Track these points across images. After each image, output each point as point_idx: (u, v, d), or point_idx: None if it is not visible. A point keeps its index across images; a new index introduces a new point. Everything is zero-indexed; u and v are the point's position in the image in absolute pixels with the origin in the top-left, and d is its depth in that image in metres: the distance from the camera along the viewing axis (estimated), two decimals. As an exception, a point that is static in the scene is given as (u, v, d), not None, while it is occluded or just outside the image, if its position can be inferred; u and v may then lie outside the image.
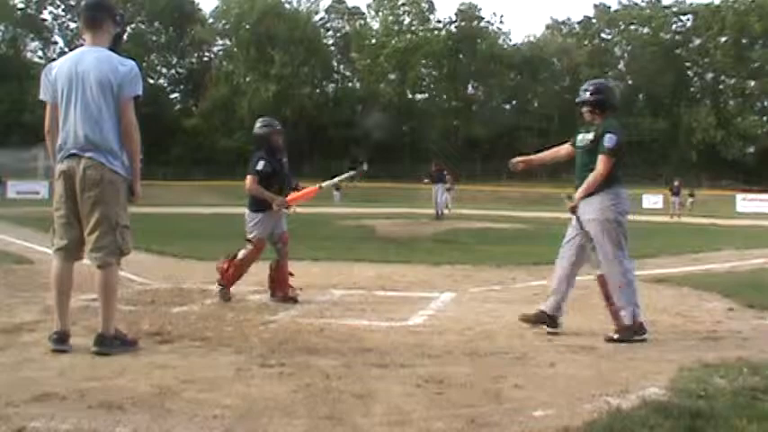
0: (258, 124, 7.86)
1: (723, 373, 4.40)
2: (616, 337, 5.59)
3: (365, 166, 8.87)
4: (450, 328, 6.01)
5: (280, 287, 7.36)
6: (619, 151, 5.84)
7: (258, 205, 7.40)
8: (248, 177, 7.40)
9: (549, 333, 5.83)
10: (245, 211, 7.53)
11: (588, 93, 6.03)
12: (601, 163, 5.78)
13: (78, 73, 4.83)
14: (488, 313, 6.78)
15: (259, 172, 7.35)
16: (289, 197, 7.48)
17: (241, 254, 7.39)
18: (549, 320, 5.92)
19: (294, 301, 7.20)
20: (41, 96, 5.01)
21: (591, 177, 5.82)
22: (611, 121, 6.00)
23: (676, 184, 36.43)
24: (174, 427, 3.41)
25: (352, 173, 8.59)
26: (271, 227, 7.47)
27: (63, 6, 73.54)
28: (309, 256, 11.45)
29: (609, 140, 5.77)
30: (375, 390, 4.09)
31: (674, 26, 76.75)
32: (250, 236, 7.41)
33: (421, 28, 76.88)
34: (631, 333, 5.60)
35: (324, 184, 8.07)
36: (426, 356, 4.95)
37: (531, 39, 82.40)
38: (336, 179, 8.40)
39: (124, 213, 4.96)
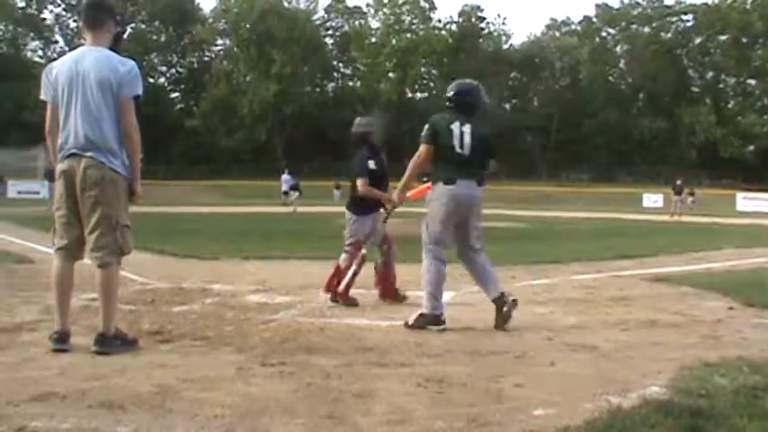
0: (358, 122, 7.66)
1: (723, 372, 4.40)
2: (410, 322, 5.95)
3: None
4: (449, 327, 6.01)
5: (389, 291, 7.24)
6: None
7: (362, 207, 7.24)
8: (359, 180, 7.17)
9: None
10: (346, 213, 7.36)
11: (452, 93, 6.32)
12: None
13: (78, 73, 4.83)
14: (488, 312, 6.76)
15: (371, 171, 7.22)
16: (411, 192, 7.04)
17: (343, 262, 7.21)
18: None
19: (404, 299, 7.11)
20: (42, 96, 5.01)
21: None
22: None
23: (678, 182, 36.32)
24: (175, 426, 3.41)
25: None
26: (371, 228, 7.32)
27: (64, 6, 73.48)
28: (310, 254, 11.47)
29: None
30: (375, 389, 4.09)
31: (674, 25, 76.70)
32: (351, 240, 7.25)
33: (422, 27, 76.82)
34: (425, 321, 5.91)
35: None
36: (427, 356, 4.95)
37: (532, 38, 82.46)
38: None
39: (125, 213, 4.96)
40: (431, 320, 5.93)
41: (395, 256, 7.46)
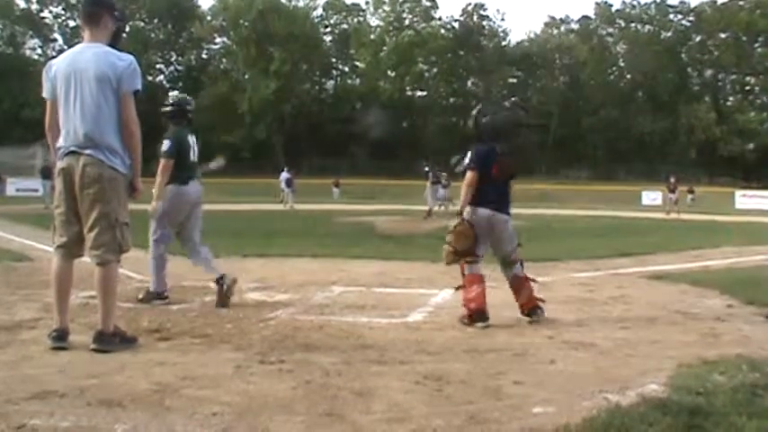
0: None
1: (722, 370, 4.40)
2: (139, 296, 6.89)
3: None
4: (449, 324, 6.02)
5: (530, 298, 6.47)
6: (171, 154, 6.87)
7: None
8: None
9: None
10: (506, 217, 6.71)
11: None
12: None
13: (77, 69, 4.83)
14: (487, 310, 6.77)
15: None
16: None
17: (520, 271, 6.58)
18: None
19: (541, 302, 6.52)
20: (43, 94, 5.01)
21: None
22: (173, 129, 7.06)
23: (672, 180, 36.35)
24: (174, 424, 3.41)
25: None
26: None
27: (63, 4, 73.33)
28: (309, 252, 11.48)
29: (164, 145, 6.91)
30: (374, 387, 4.09)
31: (674, 24, 76.69)
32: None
33: (423, 24, 76.77)
34: (152, 297, 6.85)
35: None
36: (426, 353, 4.95)
37: (532, 35, 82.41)
38: None
39: (124, 210, 4.96)
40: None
41: None
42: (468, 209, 6.35)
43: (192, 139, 7.16)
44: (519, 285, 6.41)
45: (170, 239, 7.18)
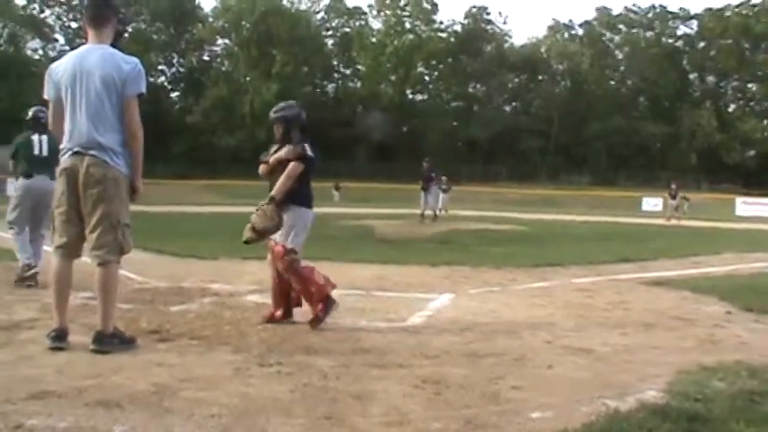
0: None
1: (721, 376, 4.40)
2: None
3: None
4: (448, 329, 6.02)
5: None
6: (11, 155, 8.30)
7: None
8: None
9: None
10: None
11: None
12: None
13: (82, 71, 4.83)
14: (487, 315, 6.78)
15: None
16: None
17: None
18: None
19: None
20: (45, 95, 5.02)
21: None
22: None
23: (674, 186, 36.44)
24: (172, 425, 3.41)
25: None
26: None
27: (65, 6, 73.39)
28: (308, 255, 11.44)
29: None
30: (373, 390, 4.09)
31: (677, 31, 76.80)
32: None
33: (424, 28, 76.87)
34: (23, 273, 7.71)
35: None
36: (424, 357, 4.95)
37: (533, 40, 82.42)
38: None
39: (125, 212, 4.96)
40: None
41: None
42: (293, 207, 6.12)
43: (37, 139, 8.23)
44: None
45: (24, 223, 8.13)
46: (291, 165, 6.06)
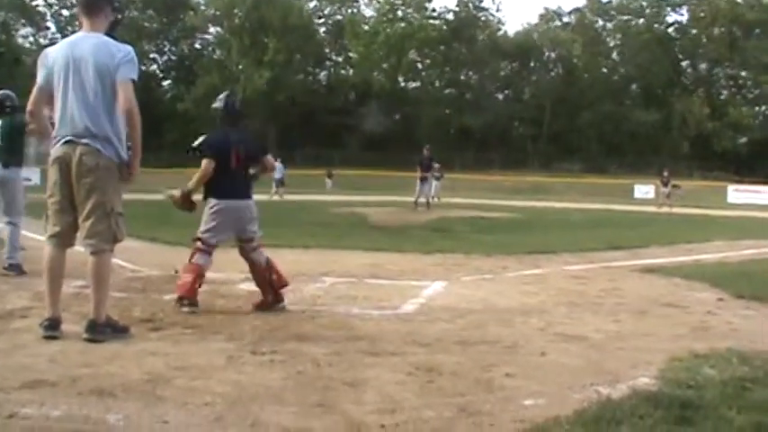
0: None
1: (713, 363, 4.42)
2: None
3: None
4: (441, 316, 6.03)
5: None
6: None
7: None
8: None
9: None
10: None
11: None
12: None
13: (75, 59, 4.81)
14: (480, 302, 6.80)
15: None
16: None
17: None
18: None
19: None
20: (38, 81, 4.99)
21: None
22: None
23: (665, 174, 36.50)
24: (166, 413, 3.41)
25: None
26: None
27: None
28: (301, 243, 11.46)
29: None
30: (366, 378, 4.10)
31: (668, 18, 76.74)
32: None
33: (416, 15, 76.60)
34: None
35: None
36: (417, 345, 4.96)
37: (526, 27, 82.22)
38: None
39: (118, 200, 4.95)
40: None
41: None
42: (212, 201, 6.28)
43: None
44: (261, 275, 6.42)
45: None
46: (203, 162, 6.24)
